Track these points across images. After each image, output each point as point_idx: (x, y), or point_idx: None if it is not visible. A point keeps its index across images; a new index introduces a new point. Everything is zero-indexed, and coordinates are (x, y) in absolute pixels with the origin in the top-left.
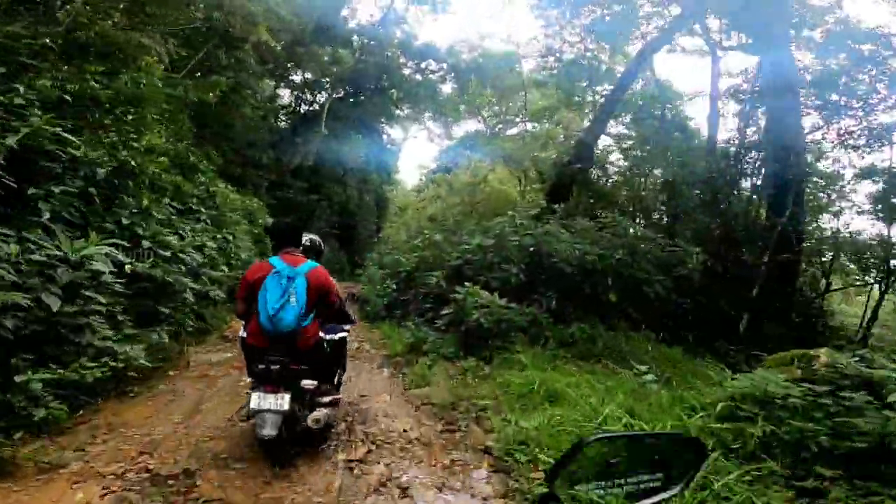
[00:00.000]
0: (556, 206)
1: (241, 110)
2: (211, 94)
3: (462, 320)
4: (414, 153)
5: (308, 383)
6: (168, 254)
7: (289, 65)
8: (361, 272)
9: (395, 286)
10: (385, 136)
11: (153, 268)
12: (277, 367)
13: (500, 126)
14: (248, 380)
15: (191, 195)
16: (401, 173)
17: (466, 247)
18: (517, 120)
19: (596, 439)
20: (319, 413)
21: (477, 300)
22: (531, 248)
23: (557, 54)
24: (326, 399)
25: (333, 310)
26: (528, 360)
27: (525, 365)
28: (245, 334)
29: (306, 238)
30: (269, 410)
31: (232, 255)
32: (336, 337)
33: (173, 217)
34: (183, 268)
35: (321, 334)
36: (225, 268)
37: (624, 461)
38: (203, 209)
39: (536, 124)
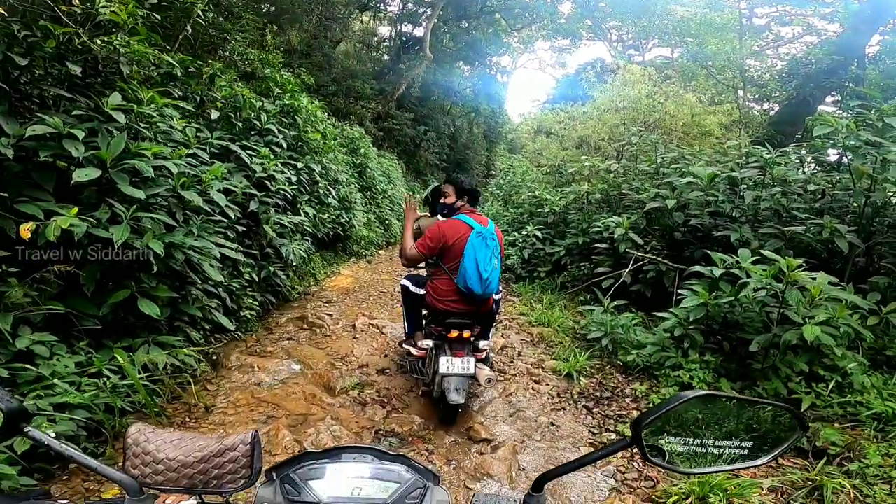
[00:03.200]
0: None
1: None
2: None
3: (721, 313)
4: (522, 86)
5: (485, 344)
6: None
7: None
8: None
9: (538, 234)
10: (494, 66)
11: None
12: (468, 331)
13: (633, 52)
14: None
15: (258, 110)
16: (510, 106)
17: (682, 180)
18: (649, 44)
19: (696, 396)
20: (490, 372)
21: (764, 280)
22: (883, 189)
23: None
24: (490, 355)
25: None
26: None
27: None
28: (422, 292)
29: (467, 184)
30: (458, 374)
31: (321, 190)
32: (499, 296)
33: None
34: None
35: (494, 296)
36: (309, 209)
37: (718, 422)
38: (275, 128)
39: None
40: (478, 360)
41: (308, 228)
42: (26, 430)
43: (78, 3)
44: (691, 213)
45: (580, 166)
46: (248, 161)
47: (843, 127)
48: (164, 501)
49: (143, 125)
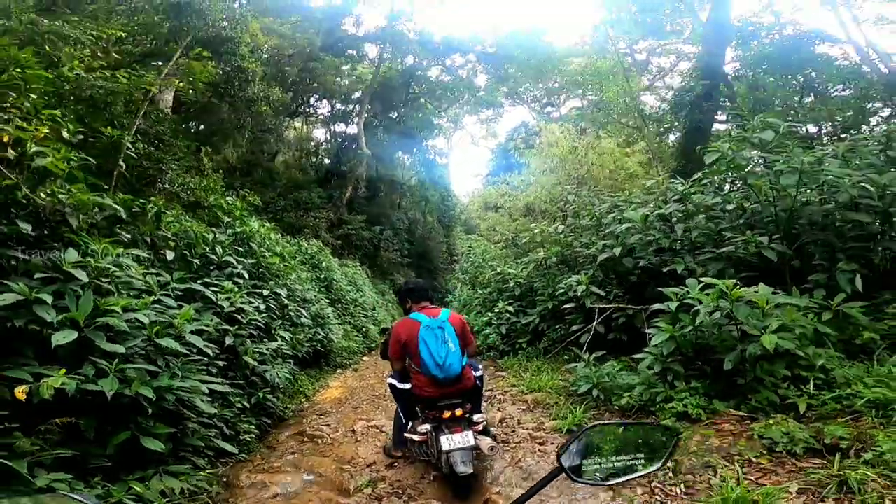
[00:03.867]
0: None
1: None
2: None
3: (690, 342)
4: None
5: (479, 417)
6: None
7: (311, 98)
8: (451, 299)
9: (510, 308)
10: (431, 150)
11: None
12: (459, 409)
13: (550, 108)
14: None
15: (212, 243)
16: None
17: (621, 227)
18: (561, 98)
19: (594, 425)
20: (491, 441)
21: (712, 304)
22: (784, 195)
23: None
24: (489, 428)
25: (474, 346)
26: None
27: None
28: (407, 387)
29: (405, 288)
30: (460, 449)
31: (291, 313)
32: (480, 373)
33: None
34: None
35: (473, 372)
36: (284, 332)
37: (615, 444)
38: (233, 259)
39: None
40: (477, 433)
41: (287, 352)
42: None
43: (12, 151)
44: (638, 255)
45: (531, 235)
46: (213, 298)
47: (728, 150)
48: None
49: (104, 279)
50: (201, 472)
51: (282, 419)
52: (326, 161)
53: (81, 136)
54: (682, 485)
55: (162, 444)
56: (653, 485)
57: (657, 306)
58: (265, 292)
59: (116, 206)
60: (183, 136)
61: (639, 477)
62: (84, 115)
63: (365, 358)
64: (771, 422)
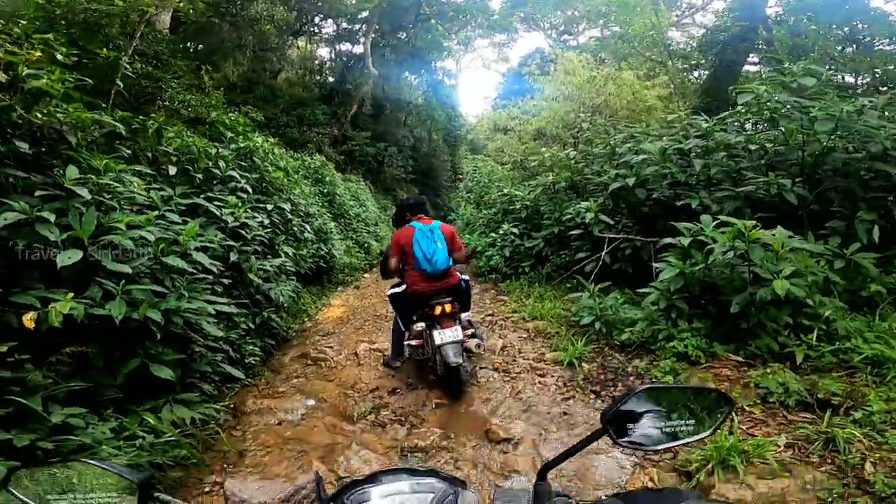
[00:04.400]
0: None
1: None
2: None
3: (699, 280)
4: (471, 86)
5: (466, 315)
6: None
7: (315, 17)
8: (453, 216)
9: (514, 230)
10: (440, 71)
11: None
12: (448, 305)
13: (567, 37)
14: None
15: (215, 157)
16: (463, 108)
17: (637, 158)
18: (580, 27)
19: (644, 389)
20: (478, 340)
21: (727, 243)
22: (813, 140)
23: None
24: (477, 328)
25: (463, 253)
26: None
27: None
28: (402, 288)
29: (406, 203)
30: (451, 342)
31: (295, 228)
32: (466, 277)
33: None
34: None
35: (459, 275)
36: (287, 248)
37: (665, 407)
38: (237, 174)
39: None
40: (467, 336)
41: (291, 268)
42: (156, 495)
43: (3, 75)
44: (651, 187)
45: (541, 158)
46: (218, 213)
47: (763, 92)
48: None
49: (106, 196)
50: (210, 401)
51: (285, 340)
52: (331, 79)
53: (76, 59)
54: None
55: (171, 371)
56: None
57: (667, 240)
58: (269, 206)
59: (115, 123)
60: (182, 56)
61: (685, 444)
62: (78, 39)
63: (366, 275)
64: (768, 370)
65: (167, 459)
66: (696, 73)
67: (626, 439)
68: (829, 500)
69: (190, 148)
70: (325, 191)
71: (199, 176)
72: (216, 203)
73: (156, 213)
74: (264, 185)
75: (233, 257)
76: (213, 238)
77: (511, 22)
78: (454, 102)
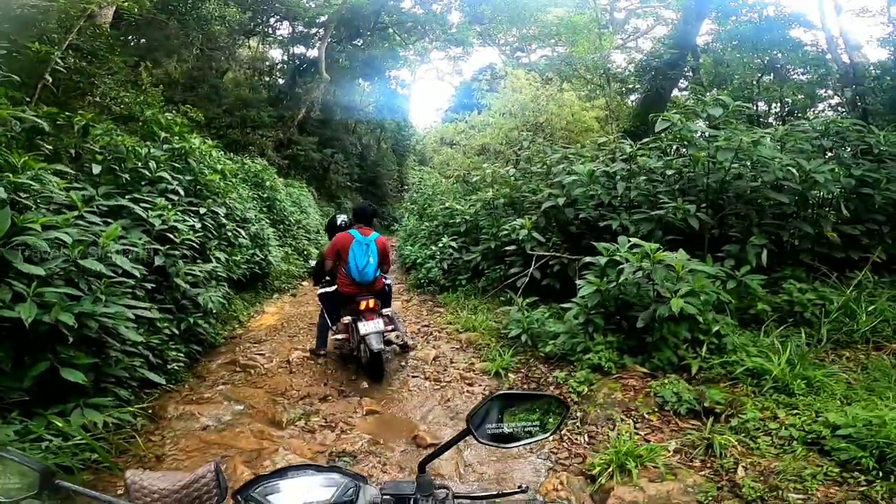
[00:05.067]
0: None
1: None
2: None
3: (613, 297)
4: (424, 97)
5: (388, 310)
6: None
7: (271, 18)
8: (397, 228)
9: (453, 244)
10: (393, 80)
11: None
12: (372, 301)
13: (520, 54)
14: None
15: (144, 158)
16: (414, 118)
17: (568, 178)
18: (533, 46)
19: (501, 393)
20: (398, 332)
21: (636, 264)
22: (719, 168)
23: None
24: (398, 324)
25: (388, 266)
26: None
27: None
28: (333, 288)
29: (353, 210)
30: (374, 332)
31: (229, 233)
32: (389, 282)
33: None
34: None
35: (384, 280)
36: (220, 253)
37: (517, 411)
38: (168, 175)
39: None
40: (388, 330)
41: (222, 274)
42: (57, 482)
43: None
44: (580, 207)
45: (483, 174)
46: (144, 215)
47: (678, 120)
48: None
49: (22, 195)
50: (126, 406)
51: (213, 346)
52: (280, 81)
53: (4, 52)
54: (585, 434)
55: (83, 375)
56: (562, 433)
57: (589, 259)
58: (202, 210)
59: (37, 119)
60: (121, 51)
61: (531, 443)
62: (10, 33)
63: (304, 283)
64: (666, 381)
65: (76, 462)
66: (631, 97)
67: (485, 438)
68: (706, 502)
69: (118, 147)
70: (265, 195)
71: (126, 176)
72: (143, 205)
73: (74, 213)
74: (198, 187)
75: (158, 261)
76: (137, 241)
77: (468, 36)
78: (406, 112)
